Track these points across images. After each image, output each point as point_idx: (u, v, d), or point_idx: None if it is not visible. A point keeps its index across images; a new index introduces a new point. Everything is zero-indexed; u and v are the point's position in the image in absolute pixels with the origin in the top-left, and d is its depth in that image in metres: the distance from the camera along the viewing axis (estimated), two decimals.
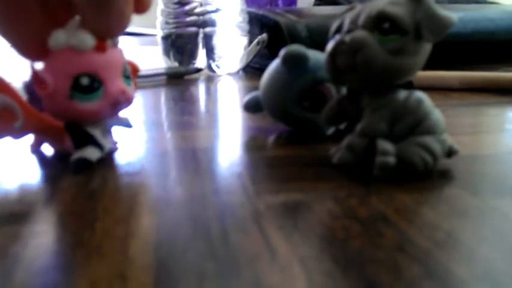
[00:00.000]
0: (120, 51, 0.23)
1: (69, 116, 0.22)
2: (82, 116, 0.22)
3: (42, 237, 0.16)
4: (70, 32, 0.21)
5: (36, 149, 0.26)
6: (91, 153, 0.23)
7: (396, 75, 0.20)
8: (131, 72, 0.26)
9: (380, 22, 0.19)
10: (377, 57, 0.19)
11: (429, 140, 0.20)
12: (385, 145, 0.20)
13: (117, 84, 0.22)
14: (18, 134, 0.23)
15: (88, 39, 0.21)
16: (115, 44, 0.23)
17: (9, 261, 0.14)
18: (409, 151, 0.20)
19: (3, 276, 0.13)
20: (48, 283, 0.13)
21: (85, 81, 0.21)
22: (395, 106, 0.20)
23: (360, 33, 0.20)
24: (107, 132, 0.24)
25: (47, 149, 0.26)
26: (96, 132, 0.23)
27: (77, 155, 0.22)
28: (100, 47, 0.21)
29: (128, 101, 0.23)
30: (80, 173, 0.22)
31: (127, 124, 0.25)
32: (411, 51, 0.19)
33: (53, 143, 0.25)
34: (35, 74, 0.21)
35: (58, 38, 0.21)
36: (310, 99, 0.26)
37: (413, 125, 0.20)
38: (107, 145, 0.24)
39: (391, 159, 0.20)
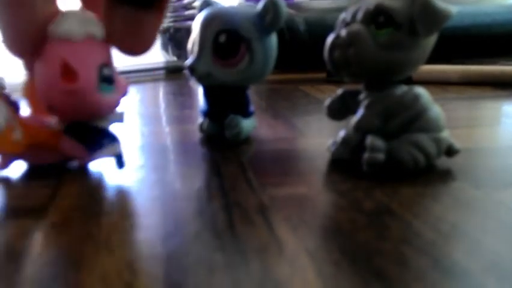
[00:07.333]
0: None
1: (90, 111, 0.20)
2: (103, 110, 0.20)
3: (49, 232, 0.16)
4: (82, 21, 0.19)
5: (3, 167, 0.22)
6: (112, 148, 0.21)
7: (390, 70, 0.20)
8: None
9: (376, 16, 0.19)
10: (369, 51, 0.19)
11: (423, 138, 0.20)
12: (375, 141, 0.20)
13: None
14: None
15: (101, 28, 0.20)
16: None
17: (18, 255, 0.14)
18: (400, 149, 0.20)
19: (13, 269, 0.13)
20: (58, 276, 0.13)
21: (106, 71, 0.19)
22: (390, 102, 0.20)
23: (355, 28, 0.20)
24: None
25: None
26: (105, 124, 0.21)
27: (106, 153, 0.21)
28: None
29: None
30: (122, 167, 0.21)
31: (121, 119, 0.23)
32: (406, 46, 0.19)
33: (37, 155, 0.22)
34: (65, 66, 0.19)
35: (75, 27, 0.19)
36: None
37: (407, 121, 0.20)
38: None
39: (380, 156, 0.19)
